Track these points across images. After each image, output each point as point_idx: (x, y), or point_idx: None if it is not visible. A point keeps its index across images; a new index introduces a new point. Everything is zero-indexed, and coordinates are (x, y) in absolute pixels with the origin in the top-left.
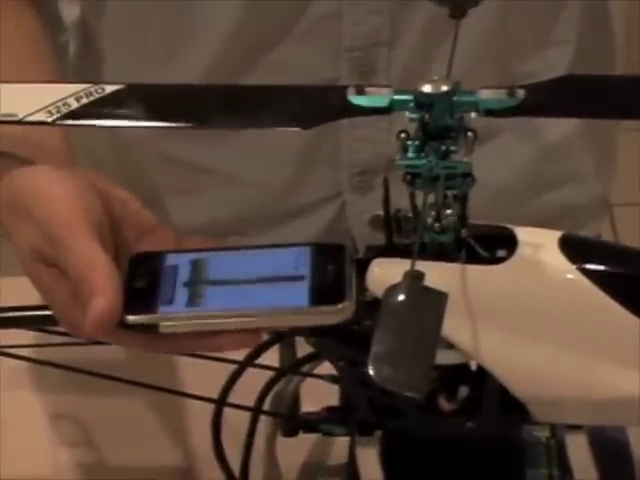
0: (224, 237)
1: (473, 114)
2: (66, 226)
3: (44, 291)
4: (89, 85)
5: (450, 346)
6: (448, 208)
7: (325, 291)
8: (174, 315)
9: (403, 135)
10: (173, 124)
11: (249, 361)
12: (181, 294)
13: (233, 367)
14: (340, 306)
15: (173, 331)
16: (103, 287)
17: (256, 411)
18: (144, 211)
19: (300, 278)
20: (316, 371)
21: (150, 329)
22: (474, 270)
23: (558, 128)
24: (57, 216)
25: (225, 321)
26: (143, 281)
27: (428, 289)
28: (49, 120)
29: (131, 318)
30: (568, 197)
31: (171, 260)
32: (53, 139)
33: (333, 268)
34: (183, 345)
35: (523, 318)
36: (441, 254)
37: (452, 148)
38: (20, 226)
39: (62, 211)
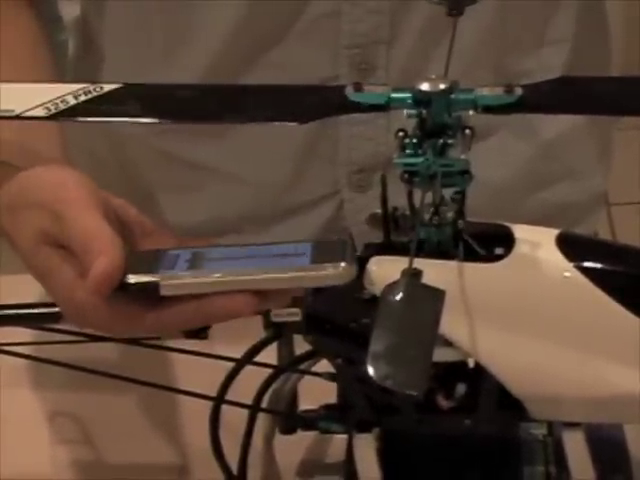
0: (222, 235)
1: (471, 112)
2: (70, 200)
3: (49, 274)
4: (87, 84)
5: (448, 344)
6: (445, 206)
7: (325, 255)
8: (175, 275)
9: (401, 134)
10: (171, 118)
11: (247, 359)
12: (182, 264)
13: (231, 365)
14: (341, 266)
15: (173, 293)
16: (105, 250)
17: (254, 409)
18: (143, 217)
19: (301, 254)
20: (314, 369)
21: (150, 292)
22: (472, 268)
23: (555, 125)
24: (62, 194)
25: (225, 280)
26: (144, 262)
27: (426, 287)
28: (46, 116)
29: (132, 277)
30: (565, 194)
31: (172, 251)
32: (48, 144)
33: (334, 246)
34: (179, 314)
35: (521, 316)
36: (439, 252)
37: (450, 143)
38: (24, 216)
39: (67, 190)
